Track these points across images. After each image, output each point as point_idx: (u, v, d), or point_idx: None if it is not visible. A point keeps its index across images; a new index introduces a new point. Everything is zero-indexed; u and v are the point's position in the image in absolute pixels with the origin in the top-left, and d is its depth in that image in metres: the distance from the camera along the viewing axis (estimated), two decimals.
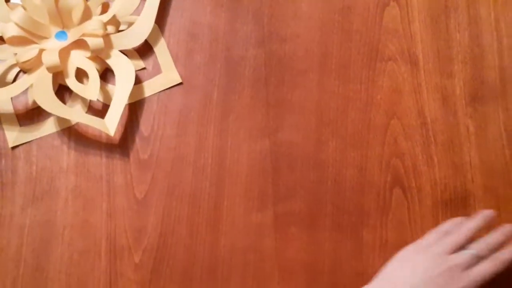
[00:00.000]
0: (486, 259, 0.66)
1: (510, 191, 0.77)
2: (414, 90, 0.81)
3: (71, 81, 0.77)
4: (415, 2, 0.84)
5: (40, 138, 0.79)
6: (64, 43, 0.80)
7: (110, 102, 0.77)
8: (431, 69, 0.82)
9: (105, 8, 0.83)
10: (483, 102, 0.80)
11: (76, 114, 0.78)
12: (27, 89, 0.79)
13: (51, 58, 0.76)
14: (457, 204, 0.76)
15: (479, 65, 0.82)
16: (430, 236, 0.70)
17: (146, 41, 0.82)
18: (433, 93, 0.81)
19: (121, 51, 0.80)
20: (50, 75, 0.77)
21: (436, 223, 0.75)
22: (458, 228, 0.69)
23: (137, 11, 0.83)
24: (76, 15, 0.80)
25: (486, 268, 0.65)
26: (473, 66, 0.82)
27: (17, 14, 0.78)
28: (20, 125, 0.79)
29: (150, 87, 0.81)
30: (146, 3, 0.82)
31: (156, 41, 0.83)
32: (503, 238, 0.69)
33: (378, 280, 0.68)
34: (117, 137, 0.79)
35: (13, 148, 0.78)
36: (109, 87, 0.81)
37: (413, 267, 0.66)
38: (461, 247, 0.67)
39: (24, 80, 0.78)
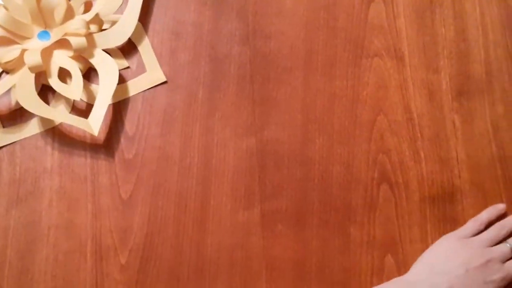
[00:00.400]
0: None
1: (497, 186, 0.77)
2: (400, 86, 0.80)
3: (54, 81, 0.77)
4: None
5: (24, 139, 0.78)
6: (46, 43, 0.79)
7: (94, 102, 0.77)
8: (417, 64, 0.81)
9: (88, 7, 0.82)
10: (469, 97, 0.80)
11: (59, 114, 0.77)
12: (9, 89, 0.78)
13: (33, 58, 0.76)
14: (444, 200, 0.76)
15: (465, 60, 0.82)
16: (471, 226, 0.73)
17: (129, 40, 0.81)
18: (419, 89, 0.80)
19: (105, 50, 0.79)
20: (33, 75, 0.77)
21: (423, 219, 0.75)
22: (499, 222, 0.73)
23: (120, 10, 0.83)
24: (59, 14, 0.79)
25: None
26: (459, 61, 0.82)
27: None
28: (3, 126, 0.78)
29: (135, 86, 0.80)
30: (129, 2, 0.82)
31: (140, 39, 0.82)
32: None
33: (420, 267, 0.70)
34: (102, 137, 0.78)
35: None
36: (93, 86, 0.80)
37: (456, 258, 0.68)
38: (500, 240, 0.71)
39: (7, 81, 0.77)
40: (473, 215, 0.75)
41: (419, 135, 0.78)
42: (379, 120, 0.79)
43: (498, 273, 0.67)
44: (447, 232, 0.74)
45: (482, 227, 0.73)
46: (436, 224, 0.75)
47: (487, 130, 0.79)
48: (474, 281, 0.66)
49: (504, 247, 0.70)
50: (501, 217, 0.74)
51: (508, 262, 0.69)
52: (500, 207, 0.74)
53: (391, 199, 0.76)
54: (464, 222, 0.75)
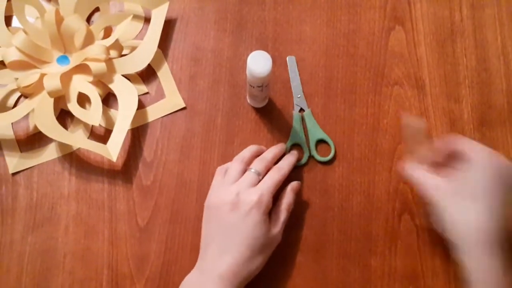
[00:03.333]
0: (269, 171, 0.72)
1: None
2: (421, 115, 0.80)
3: (73, 106, 0.76)
4: (421, 26, 0.84)
5: (41, 164, 0.77)
6: (66, 67, 0.79)
7: (112, 127, 0.76)
8: (438, 93, 0.81)
9: (107, 32, 0.82)
10: (491, 126, 0.79)
11: (77, 139, 0.77)
12: (28, 114, 0.77)
13: (52, 82, 0.75)
14: None
15: (486, 89, 0.81)
16: (216, 176, 0.74)
17: (149, 66, 0.81)
18: (441, 118, 0.80)
19: (124, 76, 0.79)
20: (52, 99, 0.76)
21: (446, 250, 0.74)
22: (236, 159, 0.74)
23: (140, 36, 0.83)
24: (78, 39, 0.79)
25: (270, 178, 0.70)
26: (481, 90, 0.81)
27: (19, 39, 0.77)
28: (21, 151, 0.78)
29: (153, 112, 0.80)
30: (149, 28, 0.82)
31: (160, 65, 0.82)
32: (275, 155, 0.75)
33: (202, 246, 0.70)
34: (120, 163, 0.77)
35: (14, 174, 0.77)
36: (112, 112, 0.79)
37: (218, 212, 0.69)
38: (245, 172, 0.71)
39: (25, 105, 0.77)
40: None
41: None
42: (400, 149, 0.78)
43: (251, 196, 0.67)
44: None
45: (247, 166, 0.73)
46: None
47: (510, 159, 0.78)
48: (238, 222, 0.66)
49: (248, 174, 0.70)
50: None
51: (260, 183, 0.69)
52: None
53: (412, 229, 0.75)
54: None
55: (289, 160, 0.75)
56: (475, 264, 0.62)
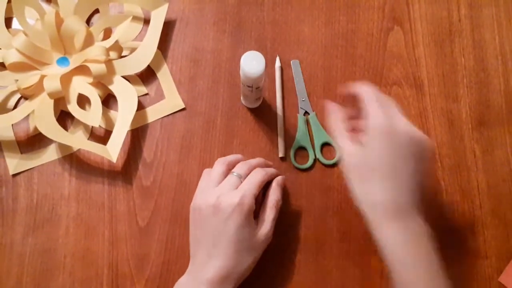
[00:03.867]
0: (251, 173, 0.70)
1: None
2: (420, 115, 0.80)
3: (73, 107, 0.77)
4: (419, 26, 0.84)
5: (41, 165, 0.78)
6: (66, 69, 0.79)
7: (112, 128, 0.77)
8: (437, 93, 0.81)
9: (107, 34, 0.83)
10: (490, 126, 0.80)
11: (78, 140, 0.77)
12: (28, 115, 0.78)
13: (52, 84, 0.76)
14: (465, 230, 0.75)
15: (484, 89, 0.81)
16: (201, 180, 0.73)
17: (148, 67, 0.81)
18: (439, 118, 0.80)
19: (124, 77, 0.79)
20: (52, 101, 0.77)
21: (444, 251, 0.74)
22: (220, 161, 0.73)
23: (140, 37, 0.83)
24: (78, 41, 0.79)
25: (252, 179, 0.69)
26: (479, 90, 0.81)
27: (19, 40, 0.78)
28: (21, 152, 0.78)
29: (153, 113, 0.80)
30: (149, 29, 0.82)
31: (159, 66, 0.82)
32: (260, 162, 0.74)
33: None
34: (120, 164, 0.78)
35: (14, 175, 0.77)
36: (112, 113, 0.80)
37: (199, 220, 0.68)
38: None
39: (25, 107, 0.77)
40: (495, 246, 0.74)
41: (439, 164, 0.78)
42: None
43: (232, 199, 0.65)
44: (468, 265, 0.73)
45: (230, 168, 0.72)
46: (457, 256, 0.74)
47: (508, 159, 0.78)
48: (221, 225, 0.65)
49: (230, 177, 0.69)
50: None
51: (241, 184, 0.68)
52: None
53: None
54: (486, 253, 0.74)
55: (272, 169, 0.74)
56: (385, 239, 0.61)
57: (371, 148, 0.61)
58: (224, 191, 0.67)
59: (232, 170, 0.71)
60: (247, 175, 0.70)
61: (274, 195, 0.71)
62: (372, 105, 0.63)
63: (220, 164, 0.71)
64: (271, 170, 0.73)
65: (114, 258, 0.74)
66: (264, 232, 0.68)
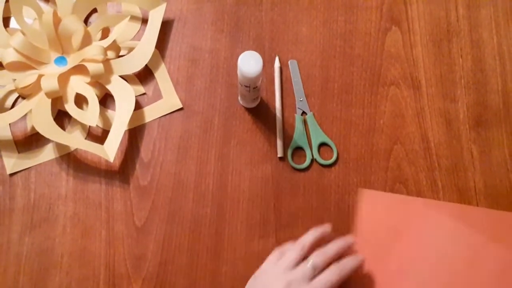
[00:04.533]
0: (327, 269, 0.65)
1: None
2: (417, 115, 0.80)
3: (70, 107, 0.77)
4: (417, 26, 0.84)
5: (39, 164, 0.78)
6: (63, 68, 0.79)
7: (109, 128, 0.77)
8: (434, 93, 0.81)
9: (105, 33, 0.83)
10: (487, 126, 0.80)
11: (75, 140, 0.77)
12: (25, 115, 0.78)
13: (50, 83, 0.76)
14: None
15: (482, 89, 0.81)
16: (272, 256, 0.69)
17: (146, 67, 0.81)
18: (437, 118, 0.80)
19: (121, 77, 0.79)
20: (49, 100, 0.77)
21: None
22: (297, 244, 0.68)
23: (138, 37, 0.83)
24: (76, 40, 0.79)
25: (327, 277, 0.64)
26: (476, 90, 0.81)
27: (16, 40, 0.78)
28: (19, 152, 0.78)
29: (151, 113, 0.80)
30: (147, 29, 0.82)
31: (157, 66, 0.82)
32: (339, 249, 0.68)
33: None
34: (117, 163, 0.78)
35: (11, 175, 0.77)
36: (109, 112, 0.80)
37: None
38: (302, 260, 0.67)
39: (23, 106, 0.77)
40: None
41: (436, 164, 0.78)
42: (396, 149, 0.78)
43: None
44: None
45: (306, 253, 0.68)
46: None
47: (505, 160, 0.78)
48: None
49: (304, 267, 0.65)
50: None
51: (315, 279, 0.64)
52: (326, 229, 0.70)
53: None
54: None
55: (352, 263, 0.67)
56: None
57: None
58: (295, 281, 0.64)
59: (309, 258, 0.66)
60: (322, 268, 0.66)
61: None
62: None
63: (297, 250, 0.67)
64: (346, 272, 0.66)
65: (111, 257, 0.74)
66: None
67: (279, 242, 0.74)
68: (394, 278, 0.71)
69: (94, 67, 0.77)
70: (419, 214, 0.74)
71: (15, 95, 0.80)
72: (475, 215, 0.74)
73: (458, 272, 0.70)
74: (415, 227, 0.73)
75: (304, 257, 0.67)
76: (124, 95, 0.78)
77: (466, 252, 0.71)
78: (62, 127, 0.78)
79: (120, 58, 0.81)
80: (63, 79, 0.78)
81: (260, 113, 0.80)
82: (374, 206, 0.75)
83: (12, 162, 0.77)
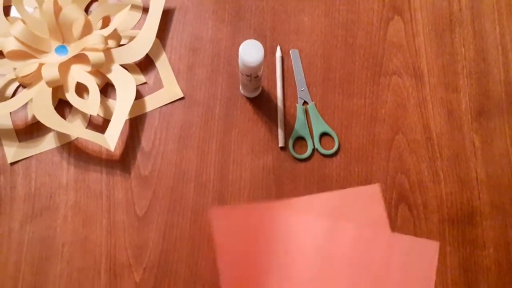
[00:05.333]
0: None
1: None
2: (419, 105, 0.80)
3: (71, 96, 0.76)
4: (419, 16, 0.84)
5: (40, 153, 0.77)
6: (64, 57, 0.79)
7: (110, 117, 0.76)
8: (436, 83, 0.81)
9: (106, 22, 0.82)
10: (489, 117, 0.79)
11: (76, 129, 0.77)
12: (26, 103, 0.78)
13: (50, 72, 0.75)
14: (463, 221, 0.75)
15: (484, 79, 0.81)
16: None
17: (147, 56, 0.81)
18: (438, 108, 0.80)
19: (122, 66, 0.79)
20: (50, 89, 0.76)
21: (442, 240, 0.74)
22: None
23: (138, 25, 0.83)
24: (77, 29, 0.79)
25: None
26: (479, 80, 0.81)
27: (17, 28, 0.77)
28: (19, 141, 0.78)
29: (152, 102, 0.80)
30: (148, 17, 0.82)
31: (158, 55, 0.82)
32: None
33: None
34: (118, 153, 0.78)
35: (12, 164, 0.77)
36: (110, 102, 0.80)
37: None
38: None
39: (24, 95, 0.77)
40: (493, 237, 0.74)
41: (438, 155, 0.78)
42: (398, 139, 0.78)
43: None
44: (466, 254, 0.73)
45: None
46: (455, 246, 0.74)
47: (507, 150, 0.78)
48: None
49: None
50: None
51: None
52: None
53: (409, 219, 0.75)
54: (484, 244, 0.74)
55: None
56: None
57: None
58: None
59: None
60: None
61: None
62: None
63: None
64: None
65: (112, 247, 0.74)
66: None
67: None
68: (264, 279, 0.72)
69: (95, 56, 0.77)
70: (270, 218, 0.74)
71: (16, 84, 0.80)
72: (318, 202, 0.75)
73: (318, 258, 0.72)
74: (269, 230, 0.74)
75: None
76: (125, 84, 0.78)
77: (319, 238, 0.73)
78: (63, 116, 0.78)
79: (121, 47, 0.81)
80: (64, 68, 0.78)
81: (262, 102, 0.80)
82: (227, 221, 0.75)
83: (13, 151, 0.77)
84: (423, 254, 0.72)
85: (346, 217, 0.74)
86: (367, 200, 0.75)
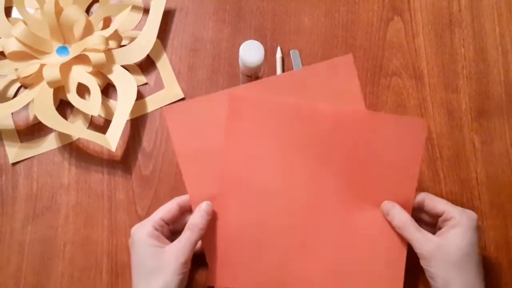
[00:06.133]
0: None
1: None
2: (419, 105, 0.80)
3: (72, 96, 0.77)
4: (419, 16, 0.84)
5: (41, 154, 0.78)
6: (65, 58, 0.79)
7: (111, 118, 0.77)
8: (436, 83, 0.81)
9: (106, 23, 0.83)
10: (489, 117, 0.80)
11: (77, 129, 0.77)
12: (28, 104, 0.78)
13: (52, 72, 0.76)
14: None
15: (484, 80, 0.81)
16: None
17: (148, 56, 0.81)
18: (438, 108, 0.80)
19: (123, 66, 0.79)
20: (51, 90, 0.77)
21: None
22: None
23: (139, 26, 0.83)
24: (78, 30, 0.79)
25: None
26: (479, 81, 0.81)
27: (18, 29, 0.78)
28: (21, 141, 0.78)
29: (153, 103, 0.80)
30: (148, 18, 0.82)
31: (158, 56, 0.82)
32: None
33: None
34: (119, 153, 0.78)
35: (14, 164, 0.77)
36: (111, 102, 0.80)
37: None
38: None
39: (25, 95, 0.77)
40: (494, 237, 0.74)
41: (438, 155, 0.78)
42: None
43: None
44: None
45: None
46: None
47: (507, 150, 0.78)
48: None
49: None
50: None
51: None
52: None
53: None
54: (484, 244, 0.74)
55: None
56: None
57: (463, 245, 0.63)
58: None
59: None
60: None
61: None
62: (448, 203, 0.67)
63: None
64: None
65: (114, 247, 0.74)
66: None
67: None
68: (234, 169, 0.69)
69: (96, 57, 0.77)
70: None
71: (17, 84, 0.80)
72: (287, 81, 0.70)
73: (299, 141, 0.69)
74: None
75: None
76: (126, 84, 0.78)
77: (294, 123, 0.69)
78: (64, 117, 0.78)
79: (122, 48, 0.81)
80: (65, 68, 0.78)
81: None
82: (183, 118, 0.69)
83: (15, 152, 0.77)
84: (409, 133, 0.69)
85: (319, 96, 0.70)
86: (340, 74, 0.70)
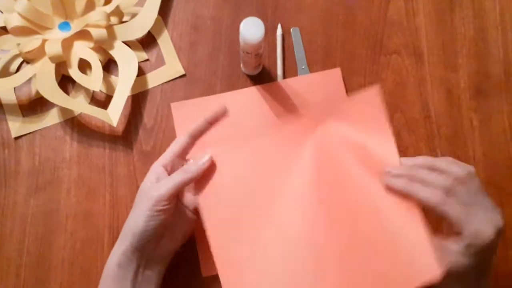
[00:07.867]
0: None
1: None
2: (418, 83, 0.80)
3: (74, 72, 0.77)
4: None
5: (43, 128, 0.79)
6: (67, 33, 0.80)
7: (113, 93, 0.77)
8: (436, 62, 0.81)
9: None
10: (487, 96, 0.80)
11: (79, 104, 0.78)
12: (30, 79, 0.79)
13: (54, 48, 0.76)
14: None
15: (483, 59, 0.82)
16: None
17: (149, 33, 0.82)
18: (437, 86, 0.80)
19: (125, 42, 0.80)
20: (53, 65, 0.77)
21: (439, 222, 0.75)
22: None
23: (141, 2, 0.83)
24: (80, 5, 0.80)
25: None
26: (478, 60, 0.82)
27: (21, 5, 0.78)
28: (23, 116, 0.79)
29: (153, 79, 0.81)
30: None
31: (160, 32, 0.83)
32: None
33: None
34: (120, 128, 0.79)
35: (16, 138, 0.78)
36: (112, 78, 0.80)
37: None
38: None
39: (27, 70, 0.78)
40: None
41: (436, 133, 0.78)
42: (397, 118, 0.79)
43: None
44: None
45: None
46: None
47: (504, 129, 0.79)
48: None
49: None
50: None
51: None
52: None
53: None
54: None
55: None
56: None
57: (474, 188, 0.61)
58: None
59: None
60: None
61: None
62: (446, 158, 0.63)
63: None
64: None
65: (115, 220, 0.75)
66: None
67: None
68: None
69: (98, 33, 0.78)
70: (234, 105, 0.76)
71: (20, 59, 0.81)
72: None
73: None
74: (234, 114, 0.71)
75: None
76: (127, 61, 0.79)
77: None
78: (66, 92, 0.79)
79: (123, 24, 0.81)
80: (67, 44, 0.79)
81: (262, 80, 0.81)
82: (188, 114, 0.78)
83: (17, 126, 0.78)
84: (368, 104, 0.67)
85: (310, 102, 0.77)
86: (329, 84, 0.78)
